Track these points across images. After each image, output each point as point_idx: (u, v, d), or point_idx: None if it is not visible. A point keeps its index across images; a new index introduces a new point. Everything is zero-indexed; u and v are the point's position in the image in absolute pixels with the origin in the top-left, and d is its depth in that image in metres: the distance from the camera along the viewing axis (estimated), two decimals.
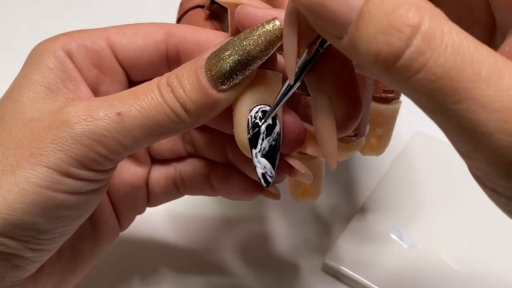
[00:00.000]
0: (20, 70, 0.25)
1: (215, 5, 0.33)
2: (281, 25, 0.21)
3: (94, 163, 0.22)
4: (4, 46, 0.53)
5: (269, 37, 0.22)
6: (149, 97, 0.22)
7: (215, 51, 0.22)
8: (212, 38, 0.26)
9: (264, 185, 0.23)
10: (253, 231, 0.39)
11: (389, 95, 0.29)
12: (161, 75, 0.27)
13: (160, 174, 0.31)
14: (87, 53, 0.25)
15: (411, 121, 0.46)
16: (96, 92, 0.26)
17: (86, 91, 0.25)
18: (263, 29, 0.22)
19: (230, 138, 0.28)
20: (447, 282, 0.36)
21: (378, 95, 0.29)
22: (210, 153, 0.30)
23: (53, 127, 0.22)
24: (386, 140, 0.32)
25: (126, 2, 0.58)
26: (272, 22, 0.22)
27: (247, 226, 0.39)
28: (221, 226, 0.39)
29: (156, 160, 0.31)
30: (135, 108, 0.22)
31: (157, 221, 0.38)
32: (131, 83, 0.28)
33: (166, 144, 0.30)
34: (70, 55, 0.25)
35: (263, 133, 0.23)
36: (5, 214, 0.21)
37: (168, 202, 0.32)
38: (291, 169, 0.26)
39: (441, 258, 0.36)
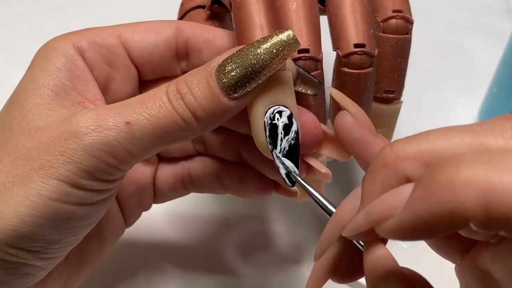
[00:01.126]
0: (27, 71, 0.24)
1: (216, 5, 0.33)
2: (294, 35, 0.21)
3: (104, 174, 0.22)
4: (4, 46, 0.53)
5: (283, 47, 0.21)
6: (158, 105, 0.22)
7: (227, 58, 0.22)
8: (220, 35, 0.26)
9: (290, 184, 0.23)
10: (254, 231, 0.39)
11: (390, 95, 0.29)
12: (171, 72, 0.27)
13: (167, 172, 0.31)
14: (100, 49, 0.25)
15: (412, 121, 0.46)
16: (106, 89, 0.26)
17: (94, 91, 0.25)
18: (277, 38, 0.21)
19: (244, 138, 0.28)
20: (447, 282, 0.35)
21: (379, 95, 0.29)
22: (223, 152, 0.30)
23: (62, 138, 0.21)
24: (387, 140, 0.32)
25: (126, 2, 0.58)
26: (286, 31, 0.21)
27: (247, 226, 0.39)
28: (221, 226, 0.39)
29: (163, 158, 0.31)
30: (144, 116, 0.22)
31: (157, 220, 0.38)
32: (142, 82, 0.28)
33: None
34: (81, 52, 0.25)
35: (281, 133, 0.22)
36: (16, 227, 0.21)
37: (175, 199, 0.32)
38: (309, 168, 0.25)
39: (441, 258, 0.36)
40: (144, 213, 0.38)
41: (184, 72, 0.28)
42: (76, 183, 0.21)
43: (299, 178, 0.23)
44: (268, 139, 0.22)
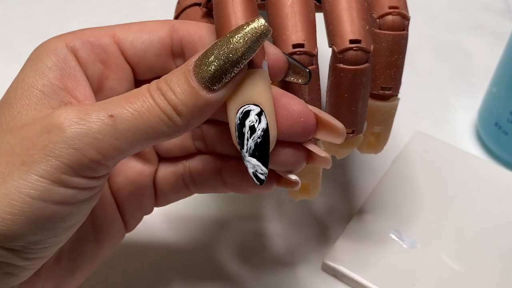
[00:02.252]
0: (20, 72, 0.24)
1: (212, 2, 0.33)
2: (265, 22, 0.22)
3: (86, 169, 0.22)
4: (4, 46, 0.53)
5: (254, 34, 0.22)
6: (141, 100, 0.22)
7: (203, 53, 0.22)
8: (214, 31, 0.26)
9: (257, 183, 0.23)
10: (253, 231, 0.39)
11: (387, 92, 0.29)
12: (168, 71, 0.27)
13: (168, 172, 0.30)
14: (93, 48, 0.25)
15: (411, 121, 0.46)
16: (100, 88, 0.26)
17: (84, 90, 0.25)
18: (249, 27, 0.22)
19: None
20: (447, 282, 0.35)
21: (376, 92, 0.29)
22: (223, 147, 0.29)
23: (44, 132, 0.21)
24: (384, 137, 0.31)
25: (127, 2, 0.58)
26: (257, 19, 0.22)
27: (247, 226, 0.39)
28: (220, 226, 0.39)
29: (164, 158, 0.31)
30: (128, 110, 0.22)
31: (157, 221, 0.38)
32: (138, 82, 0.27)
33: (176, 141, 0.30)
34: (74, 52, 0.25)
35: (247, 132, 0.23)
36: None
37: (176, 201, 0.32)
38: (308, 155, 0.25)
39: (441, 258, 0.36)
40: None
41: None
42: (58, 179, 0.21)
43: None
44: (237, 139, 0.23)
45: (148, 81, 0.28)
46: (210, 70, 0.22)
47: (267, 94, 0.23)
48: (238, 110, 0.23)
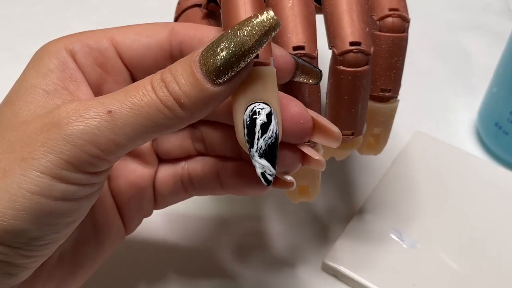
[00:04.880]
0: (22, 73, 0.25)
1: (212, 3, 0.33)
2: (274, 15, 0.21)
3: (87, 165, 0.22)
4: (4, 46, 0.53)
5: (263, 27, 0.21)
6: (141, 93, 0.22)
7: (209, 45, 0.22)
8: (213, 34, 0.26)
9: (265, 184, 0.23)
10: (253, 231, 0.39)
11: (387, 94, 0.29)
12: None
13: (167, 173, 0.30)
14: (91, 52, 0.25)
15: (411, 121, 0.46)
16: (99, 91, 0.26)
17: (86, 91, 0.25)
18: (257, 20, 0.21)
19: None
20: (447, 282, 0.35)
21: (376, 94, 0.29)
22: (222, 148, 0.29)
23: (44, 130, 0.21)
24: (384, 139, 0.31)
25: (127, 2, 0.58)
26: (266, 12, 0.21)
27: (247, 226, 0.39)
28: (220, 226, 0.39)
29: (163, 160, 0.31)
30: (126, 105, 0.22)
31: (157, 220, 0.38)
32: None
33: (175, 142, 0.30)
34: (72, 55, 0.25)
35: (258, 132, 0.22)
36: None
37: (175, 203, 0.32)
38: (303, 156, 0.25)
39: (441, 258, 0.36)
40: None
41: None
42: (58, 175, 0.21)
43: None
44: (246, 137, 0.22)
45: None
46: (216, 62, 0.21)
47: (276, 94, 0.23)
48: (247, 108, 0.22)
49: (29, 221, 0.21)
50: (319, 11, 0.28)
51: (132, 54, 0.26)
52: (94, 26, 0.27)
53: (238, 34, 0.21)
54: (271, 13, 0.21)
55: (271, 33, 0.21)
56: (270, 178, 0.23)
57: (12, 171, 0.21)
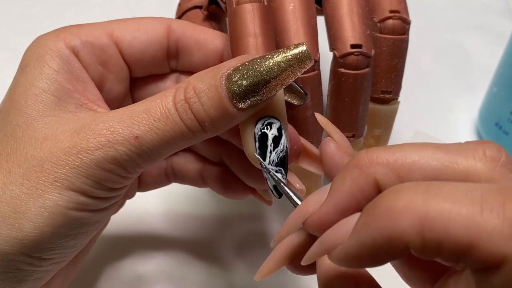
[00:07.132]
0: (22, 73, 0.24)
1: (213, 5, 0.33)
2: (308, 50, 0.21)
3: (114, 183, 0.23)
4: (4, 46, 0.53)
5: (295, 62, 0.21)
6: (165, 116, 0.22)
7: (238, 67, 0.22)
8: (211, 37, 0.26)
9: (277, 196, 0.23)
10: (253, 231, 0.39)
11: (387, 96, 0.29)
12: (161, 70, 0.27)
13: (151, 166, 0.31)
14: (93, 50, 0.25)
15: (411, 121, 0.46)
16: (100, 90, 0.26)
17: (94, 91, 0.25)
18: (290, 53, 0.21)
19: (225, 143, 0.28)
20: None
21: (376, 96, 0.29)
22: (206, 152, 0.30)
23: (73, 153, 0.22)
24: (384, 140, 0.32)
25: (127, 2, 0.58)
26: (300, 46, 0.21)
27: (247, 226, 0.39)
28: (220, 226, 0.39)
29: None
30: (152, 129, 0.22)
31: (157, 220, 0.38)
32: (131, 79, 0.28)
33: None
34: (75, 53, 0.25)
35: (271, 145, 0.22)
36: (35, 237, 0.22)
37: (157, 188, 0.33)
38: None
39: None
40: (142, 212, 0.38)
41: (173, 71, 0.28)
42: (90, 193, 0.22)
43: (288, 190, 0.22)
44: (257, 150, 0.22)
45: (142, 78, 0.28)
46: (243, 88, 0.21)
47: (285, 110, 0.23)
48: (258, 121, 0.23)
49: (65, 234, 0.23)
50: (319, 13, 0.28)
51: (133, 50, 0.26)
52: None
53: (270, 64, 0.21)
54: (305, 47, 0.21)
55: (302, 68, 0.21)
56: (281, 191, 0.23)
57: (47, 190, 0.22)
